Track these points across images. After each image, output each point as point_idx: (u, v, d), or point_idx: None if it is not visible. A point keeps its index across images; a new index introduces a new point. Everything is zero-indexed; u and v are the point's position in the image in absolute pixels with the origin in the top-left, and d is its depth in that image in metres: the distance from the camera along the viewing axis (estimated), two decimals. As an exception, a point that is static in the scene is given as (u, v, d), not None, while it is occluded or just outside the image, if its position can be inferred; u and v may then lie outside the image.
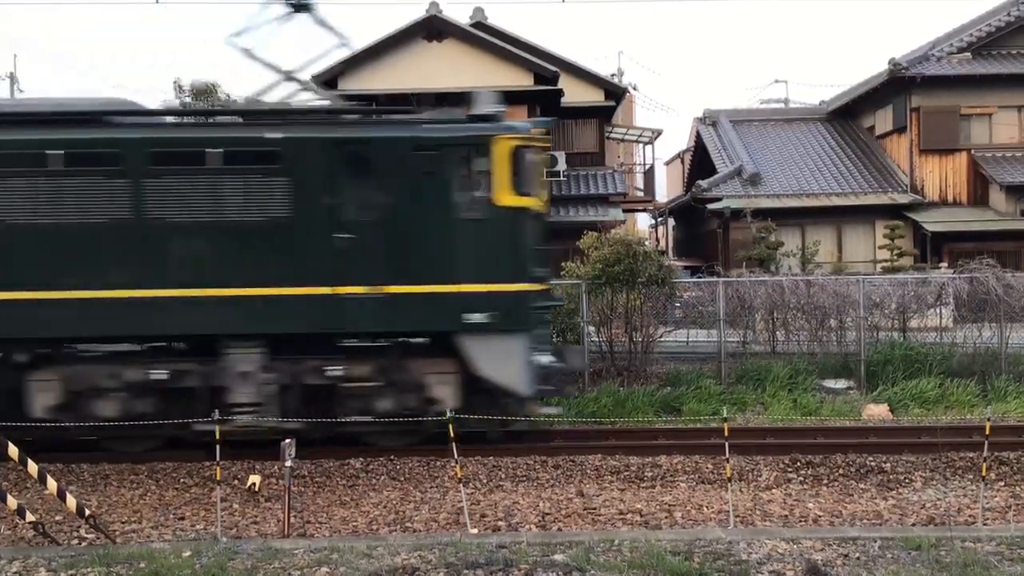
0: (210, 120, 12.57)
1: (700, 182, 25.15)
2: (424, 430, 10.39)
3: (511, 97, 13.81)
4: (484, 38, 22.88)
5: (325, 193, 9.99)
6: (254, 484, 8.91)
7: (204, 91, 21.05)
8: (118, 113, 10.60)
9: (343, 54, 21.66)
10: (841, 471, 9.60)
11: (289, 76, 11.06)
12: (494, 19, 24.80)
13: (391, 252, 10.03)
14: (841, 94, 29.52)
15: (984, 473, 7.82)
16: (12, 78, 33.02)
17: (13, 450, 7.14)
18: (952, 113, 24.20)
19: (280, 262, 9.97)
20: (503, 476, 9.58)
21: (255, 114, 10.89)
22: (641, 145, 33.24)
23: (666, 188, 39.26)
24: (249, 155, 10.04)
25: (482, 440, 10.62)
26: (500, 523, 7.98)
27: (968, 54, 24.52)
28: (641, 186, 30.99)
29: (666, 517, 8.11)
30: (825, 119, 28.99)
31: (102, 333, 10.09)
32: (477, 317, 9.99)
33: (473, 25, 23.73)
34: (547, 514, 8.22)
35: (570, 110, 24.45)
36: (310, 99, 11.66)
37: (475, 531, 7.61)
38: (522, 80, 22.35)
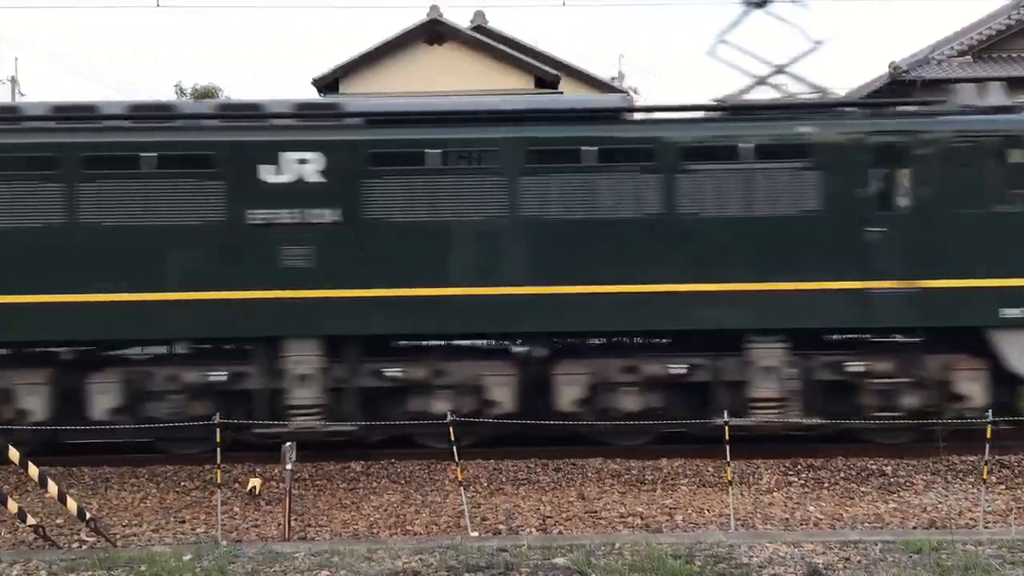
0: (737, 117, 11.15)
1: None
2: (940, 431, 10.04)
3: (512, 100, 13.75)
4: (485, 41, 22.86)
5: (857, 186, 10.00)
6: (255, 487, 8.92)
7: (205, 94, 21.11)
8: (631, 110, 10.92)
9: (344, 58, 21.77)
10: (842, 474, 9.59)
11: (780, 70, 11.04)
12: (494, 22, 24.82)
13: (924, 246, 10.00)
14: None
15: (985, 476, 7.83)
16: (13, 82, 33.09)
17: (14, 453, 7.15)
18: (953, 116, 24.17)
19: (809, 257, 9.99)
20: (504, 479, 9.57)
21: (778, 109, 10.76)
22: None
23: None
24: (783, 150, 10.07)
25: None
26: (501, 526, 7.98)
27: (969, 57, 24.49)
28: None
29: (667, 520, 8.11)
30: (826, 121, 28.92)
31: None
32: (1014, 312, 9.95)
33: (474, 28, 23.72)
34: (548, 517, 8.22)
35: (571, 112, 24.40)
36: (802, 92, 11.37)
37: (476, 534, 7.60)
38: (523, 83, 22.30)
